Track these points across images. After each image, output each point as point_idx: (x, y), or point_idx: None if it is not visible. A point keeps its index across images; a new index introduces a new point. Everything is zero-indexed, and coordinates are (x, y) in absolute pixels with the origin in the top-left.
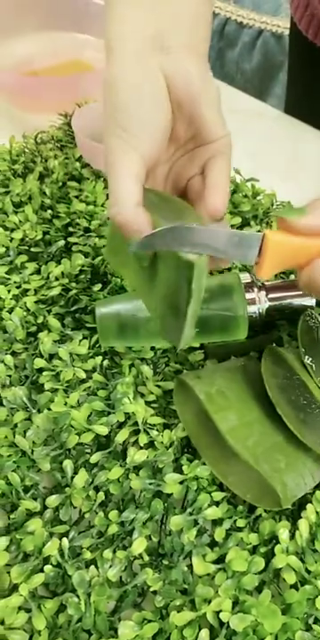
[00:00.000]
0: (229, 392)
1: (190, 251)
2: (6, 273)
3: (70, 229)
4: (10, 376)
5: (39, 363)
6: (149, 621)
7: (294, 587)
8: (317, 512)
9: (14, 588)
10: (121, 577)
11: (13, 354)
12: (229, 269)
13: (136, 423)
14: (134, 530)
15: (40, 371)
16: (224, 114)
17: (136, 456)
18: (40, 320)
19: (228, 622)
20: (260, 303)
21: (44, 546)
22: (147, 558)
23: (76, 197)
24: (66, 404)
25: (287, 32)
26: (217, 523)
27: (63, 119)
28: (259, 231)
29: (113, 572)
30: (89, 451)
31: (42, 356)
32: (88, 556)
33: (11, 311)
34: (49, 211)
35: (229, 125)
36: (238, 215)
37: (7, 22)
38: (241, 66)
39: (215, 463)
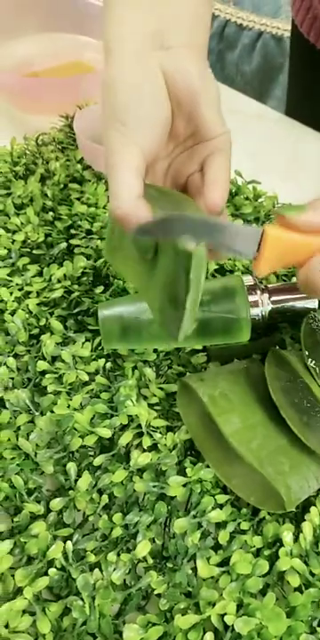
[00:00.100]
0: (233, 395)
1: (189, 239)
2: (8, 275)
3: (72, 231)
4: (12, 378)
5: (42, 365)
6: (154, 624)
7: (298, 589)
8: None
9: (18, 592)
10: (125, 580)
11: (16, 356)
12: (232, 272)
13: (139, 426)
14: (138, 533)
15: (43, 373)
16: (224, 115)
17: (140, 459)
18: (42, 322)
19: (232, 625)
20: (262, 306)
21: (48, 549)
22: (151, 561)
23: (78, 199)
24: (69, 406)
25: (287, 34)
26: (221, 525)
27: (64, 121)
28: None
29: (117, 575)
30: (92, 453)
31: (44, 359)
32: (92, 558)
33: (13, 313)
34: (51, 213)
35: (230, 127)
36: (240, 217)
37: (8, 23)
38: (241, 68)
39: (219, 466)
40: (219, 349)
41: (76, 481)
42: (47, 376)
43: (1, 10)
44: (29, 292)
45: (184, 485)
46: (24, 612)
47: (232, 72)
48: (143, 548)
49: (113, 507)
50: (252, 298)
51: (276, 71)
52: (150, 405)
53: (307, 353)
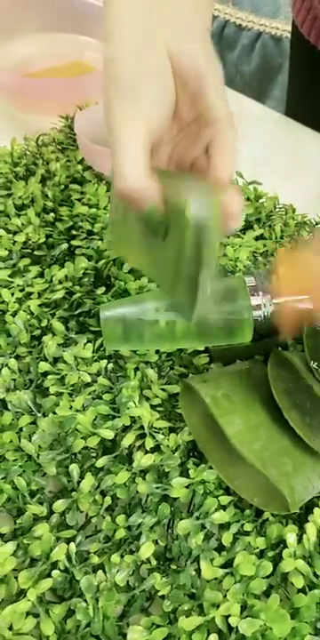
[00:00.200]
0: (235, 396)
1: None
2: (9, 276)
3: (73, 232)
4: (14, 380)
5: (44, 366)
6: (158, 626)
7: (302, 591)
8: None
9: (22, 594)
10: (128, 581)
11: (17, 357)
12: (233, 273)
13: (142, 427)
14: (141, 534)
15: (44, 374)
16: None
17: (142, 460)
18: (44, 323)
19: (236, 627)
20: (265, 307)
21: (51, 551)
22: (154, 563)
23: (79, 200)
24: (71, 407)
25: (286, 34)
26: (224, 527)
27: (64, 121)
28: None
29: (121, 577)
30: (95, 455)
31: (46, 360)
32: (95, 560)
33: (14, 314)
34: (51, 214)
35: None
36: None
37: (8, 24)
38: (240, 68)
39: (222, 467)
40: (221, 350)
41: (78, 482)
42: (49, 377)
43: (1, 10)
44: (31, 293)
45: (187, 487)
46: (28, 613)
47: (231, 72)
48: (146, 550)
49: (116, 508)
50: (254, 299)
51: (275, 71)
52: (153, 406)
53: (310, 354)
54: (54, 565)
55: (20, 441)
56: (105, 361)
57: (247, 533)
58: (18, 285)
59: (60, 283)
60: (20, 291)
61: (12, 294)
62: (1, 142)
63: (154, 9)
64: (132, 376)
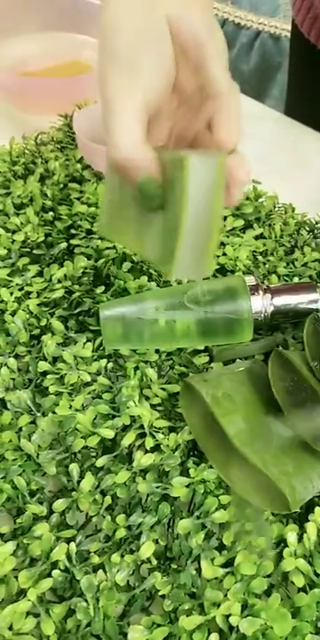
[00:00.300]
0: (236, 395)
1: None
2: (8, 275)
3: (72, 231)
4: (13, 379)
5: (43, 366)
6: (159, 625)
7: (303, 590)
8: None
9: (22, 593)
10: (129, 581)
11: (17, 357)
12: (233, 272)
13: (142, 426)
14: (142, 534)
15: (44, 374)
16: None
17: (142, 459)
18: (43, 323)
19: (237, 626)
20: (265, 306)
21: (51, 550)
22: (155, 562)
23: (78, 199)
24: (71, 407)
25: (285, 33)
26: (225, 526)
27: (63, 120)
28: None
29: (121, 577)
30: (95, 454)
31: (45, 359)
32: (96, 560)
33: (13, 314)
34: (50, 212)
35: None
36: (241, 218)
37: (6, 23)
38: (239, 67)
39: (222, 466)
40: (221, 350)
41: (78, 482)
42: (48, 377)
43: None
44: (30, 293)
45: (187, 486)
46: (28, 613)
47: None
48: (147, 549)
49: (116, 508)
50: (254, 298)
51: (273, 70)
52: (152, 406)
53: (310, 354)
54: (54, 565)
55: (19, 440)
56: (104, 360)
57: (248, 533)
58: (17, 284)
59: (60, 282)
60: (19, 290)
61: (11, 293)
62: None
63: None
64: (132, 375)
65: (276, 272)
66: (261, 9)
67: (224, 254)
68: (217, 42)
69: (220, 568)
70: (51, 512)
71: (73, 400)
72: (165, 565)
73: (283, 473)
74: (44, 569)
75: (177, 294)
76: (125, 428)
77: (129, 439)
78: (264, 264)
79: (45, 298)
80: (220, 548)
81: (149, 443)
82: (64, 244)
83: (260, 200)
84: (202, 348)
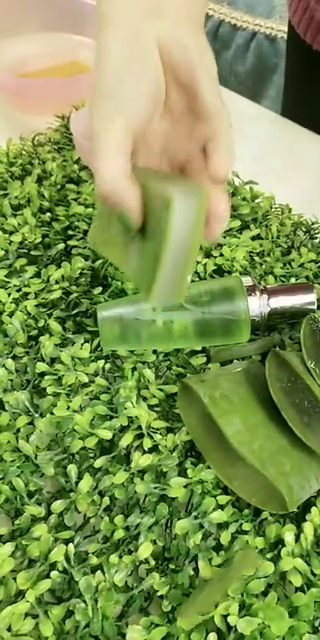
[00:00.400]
0: (233, 396)
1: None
2: (6, 276)
3: (69, 232)
4: (11, 380)
5: (41, 367)
6: (157, 625)
7: (301, 589)
8: None
9: (21, 595)
10: (127, 582)
11: (14, 358)
12: (230, 273)
13: (139, 427)
14: (140, 534)
15: (42, 375)
16: None
17: (140, 460)
18: (41, 324)
19: (235, 626)
20: (262, 307)
21: (49, 551)
22: (153, 563)
23: (75, 200)
24: (68, 408)
25: (281, 34)
26: (222, 526)
27: (60, 121)
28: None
29: (119, 577)
30: (93, 455)
31: (43, 360)
32: (94, 561)
33: (11, 315)
34: (48, 213)
35: None
36: (238, 218)
37: (3, 23)
38: (235, 68)
39: (220, 467)
40: (218, 350)
41: (76, 483)
42: (46, 378)
43: None
44: (27, 294)
45: (185, 486)
46: (26, 614)
47: (226, 72)
48: (145, 550)
49: (114, 508)
50: (251, 299)
51: (269, 72)
52: (150, 407)
53: (307, 354)
54: (53, 566)
55: (17, 442)
56: (102, 361)
57: (245, 532)
58: (14, 285)
59: (57, 283)
60: (17, 291)
61: (9, 294)
62: None
63: (143, 9)
64: (130, 376)
65: (273, 273)
66: (257, 10)
67: (221, 255)
68: (207, 63)
69: (217, 568)
70: (49, 513)
71: (71, 401)
72: (163, 566)
73: (280, 473)
74: (42, 570)
75: None
76: (123, 429)
77: (127, 440)
78: (261, 265)
79: (43, 299)
80: (218, 548)
81: (147, 443)
82: (61, 245)
83: (256, 201)
84: (199, 348)
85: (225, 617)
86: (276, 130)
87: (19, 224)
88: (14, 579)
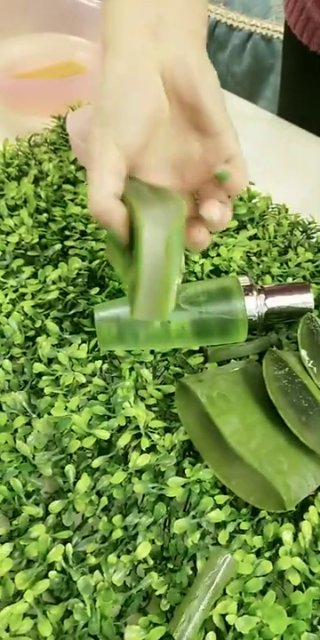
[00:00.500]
0: (231, 395)
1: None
2: (3, 277)
3: (66, 233)
4: (8, 381)
5: (38, 367)
6: (155, 625)
7: (299, 588)
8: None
9: (19, 595)
10: (125, 581)
11: (11, 358)
12: (227, 272)
13: (137, 427)
14: (138, 534)
15: (39, 375)
16: None
17: (138, 460)
18: (38, 324)
19: (234, 625)
20: (259, 306)
21: (48, 552)
22: (151, 562)
23: (72, 201)
24: (66, 408)
25: (277, 35)
26: (220, 526)
27: (56, 121)
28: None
29: (118, 577)
30: (90, 455)
31: (40, 361)
32: (92, 561)
33: (8, 315)
34: (44, 214)
35: None
36: (235, 218)
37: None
38: (231, 68)
39: (218, 466)
40: (215, 350)
41: (74, 483)
42: (44, 378)
43: None
44: (24, 294)
45: (183, 486)
46: (25, 615)
47: (222, 73)
48: (143, 550)
49: (112, 508)
50: (248, 299)
51: (266, 72)
52: (148, 406)
53: (304, 353)
54: (51, 566)
55: (15, 442)
56: (100, 361)
57: (243, 532)
58: (11, 286)
59: (54, 283)
60: (14, 292)
61: (6, 295)
62: None
63: (146, 19)
64: (127, 376)
65: (270, 272)
66: (253, 10)
67: (218, 255)
68: (211, 82)
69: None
70: (47, 513)
71: (68, 401)
72: (162, 565)
73: (278, 472)
74: (40, 570)
75: None
76: (121, 429)
77: (124, 440)
78: (258, 264)
79: (40, 299)
80: (216, 547)
81: (145, 443)
82: (58, 246)
83: (253, 201)
84: (196, 348)
85: (223, 616)
86: (272, 130)
87: (15, 225)
88: (12, 579)
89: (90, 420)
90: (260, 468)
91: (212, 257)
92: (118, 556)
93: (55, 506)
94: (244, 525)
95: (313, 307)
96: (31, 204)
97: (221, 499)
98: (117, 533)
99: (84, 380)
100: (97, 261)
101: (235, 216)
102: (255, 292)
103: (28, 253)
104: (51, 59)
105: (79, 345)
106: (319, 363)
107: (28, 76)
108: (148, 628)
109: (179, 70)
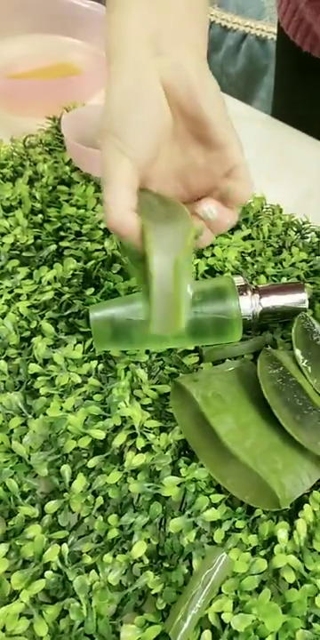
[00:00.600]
0: (226, 395)
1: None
2: None
3: (61, 233)
4: (4, 381)
5: (33, 368)
6: (151, 624)
7: (294, 586)
8: (314, 512)
9: (15, 595)
10: (121, 580)
11: (7, 359)
12: (222, 273)
13: (132, 427)
14: (134, 533)
15: (35, 376)
16: None
17: (134, 460)
18: (33, 325)
19: (229, 623)
20: (253, 306)
21: (43, 552)
22: (147, 561)
23: (67, 201)
24: (62, 408)
25: (271, 36)
26: (216, 524)
27: (51, 122)
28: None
29: (113, 576)
30: (86, 455)
31: (36, 361)
32: (88, 560)
33: (3, 316)
34: (39, 215)
35: None
36: None
37: None
38: (225, 69)
39: (213, 465)
40: (210, 350)
41: (70, 483)
42: (39, 379)
43: None
44: (19, 295)
45: (178, 485)
46: (21, 615)
47: (217, 74)
48: (139, 549)
49: (108, 508)
50: (242, 298)
51: (260, 73)
52: (143, 406)
53: (299, 352)
54: (47, 566)
55: (10, 442)
56: (95, 362)
57: (239, 530)
58: (6, 287)
59: (49, 284)
60: (9, 292)
61: (1, 296)
62: None
63: (147, 32)
64: (123, 376)
65: (265, 272)
66: (247, 12)
67: (213, 255)
68: (212, 94)
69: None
70: (43, 513)
71: (64, 401)
72: (157, 564)
73: (272, 471)
74: (36, 570)
75: None
76: (116, 429)
77: (120, 440)
78: (252, 264)
79: (35, 300)
80: (211, 546)
81: (140, 443)
82: (53, 247)
83: (247, 201)
84: (192, 348)
85: (219, 614)
86: (266, 131)
87: (10, 225)
88: (8, 579)
89: (85, 420)
90: (254, 467)
91: (207, 257)
92: (114, 556)
93: (51, 506)
94: (240, 524)
95: (307, 306)
96: (26, 204)
97: (217, 498)
98: (113, 533)
99: (79, 380)
100: (92, 262)
101: None
102: (250, 292)
103: (24, 254)
104: (45, 60)
105: (74, 345)
106: (313, 362)
107: (22, 77)
108: (143, 627)
109: (179, 82)
